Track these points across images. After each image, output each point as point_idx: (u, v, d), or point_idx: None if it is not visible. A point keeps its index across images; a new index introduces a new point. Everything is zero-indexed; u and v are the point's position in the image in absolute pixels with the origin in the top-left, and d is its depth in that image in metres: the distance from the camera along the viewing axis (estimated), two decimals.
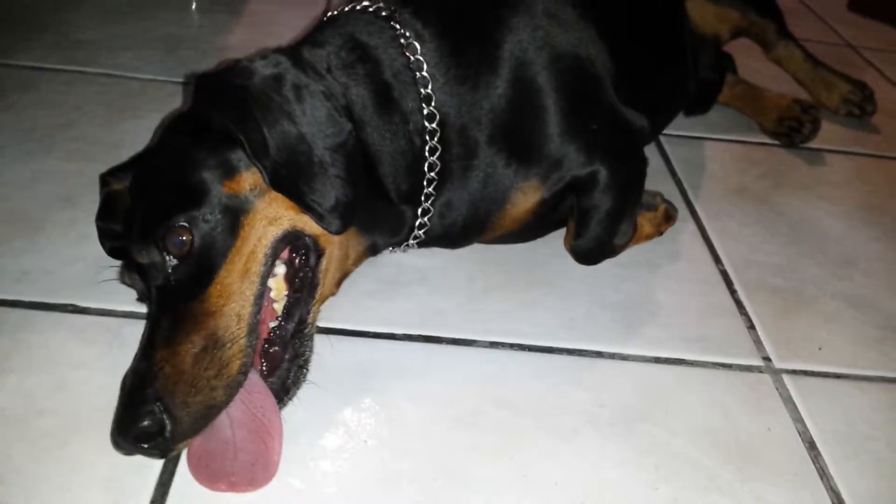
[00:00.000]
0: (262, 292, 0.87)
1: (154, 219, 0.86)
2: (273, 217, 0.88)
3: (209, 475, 0.80)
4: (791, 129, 1.64)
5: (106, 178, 1.03)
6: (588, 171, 1.09)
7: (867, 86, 1.77)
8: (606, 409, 0.97)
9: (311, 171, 0.88)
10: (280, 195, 0.88)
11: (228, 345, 0.81)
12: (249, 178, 0.88)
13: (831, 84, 1.77)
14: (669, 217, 1.28)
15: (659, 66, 1.42)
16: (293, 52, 0.96)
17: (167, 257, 0.85)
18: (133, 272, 0.91)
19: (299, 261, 0.92)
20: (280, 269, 0.91)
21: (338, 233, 0.90)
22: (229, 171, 0.87)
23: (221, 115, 0.87)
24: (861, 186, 1.55)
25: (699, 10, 1.59)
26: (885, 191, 1.55)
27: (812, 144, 1.66)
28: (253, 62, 0.92)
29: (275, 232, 0.88)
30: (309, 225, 0.90)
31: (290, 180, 0.87)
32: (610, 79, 1.16)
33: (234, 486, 0.80)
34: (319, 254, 0.93)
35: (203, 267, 0.84)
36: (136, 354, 0.84)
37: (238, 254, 0.86)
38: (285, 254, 0.91)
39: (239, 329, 0.83)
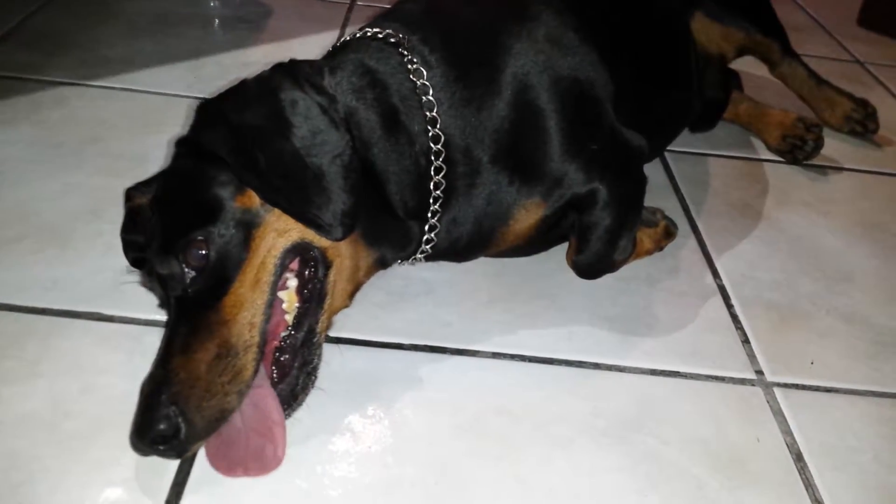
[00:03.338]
0: (272, 301, 0.92)
1: (173, 233, 0.92)
2: (282, 229, 0.94)
3: (226, 464, 0.87)
4: (794, 147, 1.67)
5: (130, 193, 1.09)
6: (588, 189, 1.13)
7: (869, 103, 1.80)
8: (602, 419, 1.02)
9: (306, 184, 0.93)
10: None
11: (242, 352, 0.87)
12: None
13: (834, 102, 1.80)
14: (669, 233, 1.32)
15: (662, 86, 1.46)
16: (293, 67, 1.01)
17: (185, 269, 0.91)
18: (154, 282, 0.97)
19: (308, 273, 0.97)
20: (292, 283, 0.96)
21: (338, 240, 0.95)
22: (240, 187, 0.93)
23: (211, 143, 0.93)
24: (862, 203, 1.58)
25: (705, 30, 1.63)
26: (885, 208, 1.58)
27: (815, 161, 1.70)
28: (251, 81, 0.98)
29: (283, 244, 0.94)
30: (316, 238, 0.96)
31: (287, 196, 0.93)
32: (610, 100, 1.20)
33: (248, 471, 0.87)
34: (327, 266, 0.98)
35: (218, 278, 0.90)
36: (155, 361, 0.90)
37: (250, 265, 0.91)
38: (295, 265, 0.97)
39: (251, 337, 0.88)
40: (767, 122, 1.73)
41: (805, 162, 1.69)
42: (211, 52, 1.85)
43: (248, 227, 0.92)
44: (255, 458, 0.87)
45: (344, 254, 0.99)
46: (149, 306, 1.06)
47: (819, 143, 1.67)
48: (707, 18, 1.63)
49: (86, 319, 1.07)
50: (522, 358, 1.10)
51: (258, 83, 0.98)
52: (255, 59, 1.85)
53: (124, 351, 1.02)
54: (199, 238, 0.90)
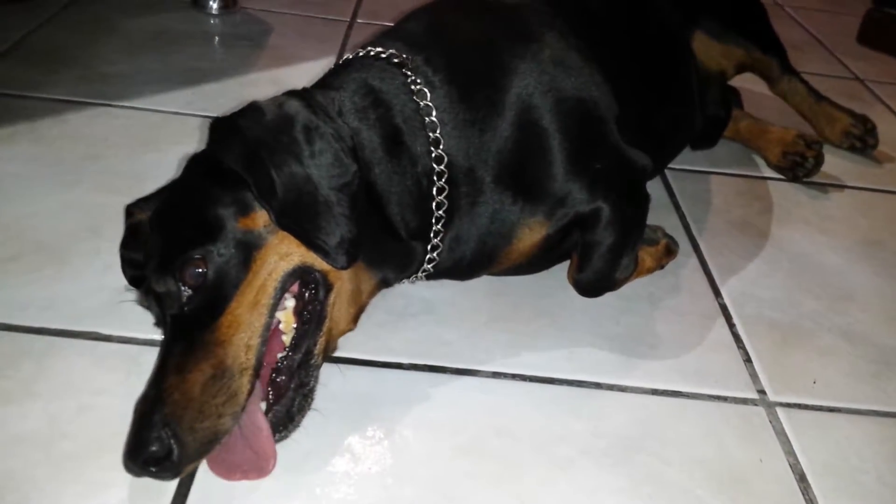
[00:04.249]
0: (270, 324, 0.91)
1: (172, 250, 0.91)
2: (284, 253, 0.93)
3: (226, 468, 0.87)
4: (795, 164, 1.67)
5: (130, 209, 1.09)
6: (591, 207, 1.13)
7: (869, 119, 1.80)
8: (603, 440, 1.01)
9: (316, 210, 0.93)
10: None
11: (237, 374, 0.86)
12: (263, 216, 0.93)
13: (833, 118, 1.81)
14: (670, 251, 1.32)
15: (665, 104, 1.46)
16: (306, 94, 1.02)
17: (182, 288, 0.90)
18: (151, 299, 0.96)
19: (308, 295, 0.97)
20: (290, 303, 0.96)
21: (343, 268, 0.95)
22: (244, 209, 0.93)
23: (230, 159, 0.93)
24: (862, 221, 1.58)
25: (705, 48, 1.63)
26: (886, 225, 1.57)
27: (816, 178, 1.69)
28: (266, 104, 0.98)
29: (285, 267, 0.93)
30: (318, 261, 0.95)
31: (297, 219, 0.92)
32: (614, 119, 1.20)
33: (246, 475, 0.87)
34: (328, 289, 0.97)
35: (216, 298, 0.89)
36: (149, 380, 0.89)
37: (249, 286, 0.90)
38: (295, 288, 0.96)
39: (247, 359, 0.87)
40: (768, 139, 1.73)
41: (805, 179, 1.68)
42: (211, 69, 1.86)
43: (250, 249, 0.91)
44: (251, 461, 0.87)
45: (345, 277, 0.99)
46: (146, 326, 1.06)
47: (819, 160, 1.66)
48: (707, 36, 1.64)
49: (82, 339, 1.06)
50: (523, 378, 1.09)
51: (274, 107, 0.97)
52: (254, 77, 1.85)
53: (121, 371, 1.02)
54: (198, 256, 0.90)
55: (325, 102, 1.01)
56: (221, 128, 0.97)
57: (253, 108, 0.98)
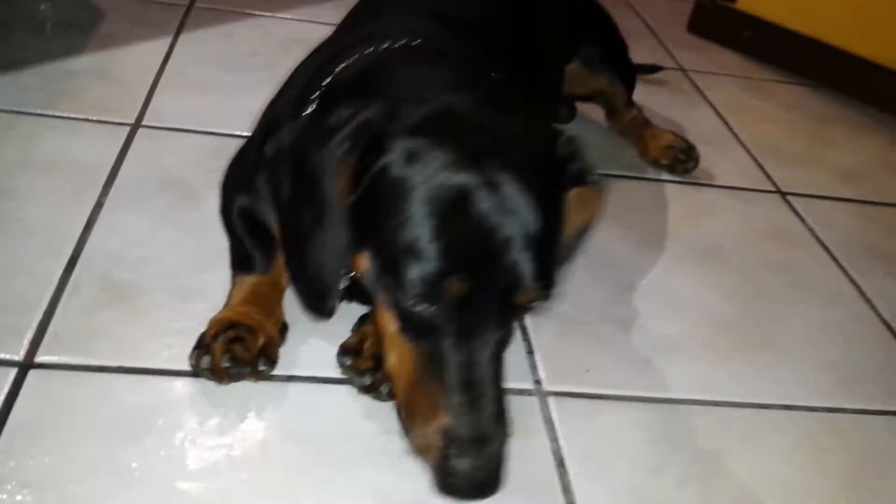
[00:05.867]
0: None
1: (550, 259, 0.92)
2: None
3: None
4: None
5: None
6: None
7: (692, 143, 1.89)
8: (386, 437, 1.07)
9: None
10: None
11: None
12: None
13: (658, 136, 1.91)
14: None
15: None
16: None
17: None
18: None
19: None
20: None
21: None
22: None
23: None
24: (658, 213, 1.71)
25: (574, 75, 1.79)
26: (685, 218, 1.71)
27: (624, 172, 1.82)
28: None
29: None
30: None
31: None
32: None
33: None
34: None
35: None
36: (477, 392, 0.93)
37: None
38: None
39: None
40: None
41: None
42: (33, 60, 1.80)
43: None
44: None
45: None
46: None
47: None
48: (581, 65, 1.80)
49: None
50: (316, 380, 1.15)
51: None
52: (79, 68, 1.82)
53: None
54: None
55: None
56: None
57: None
